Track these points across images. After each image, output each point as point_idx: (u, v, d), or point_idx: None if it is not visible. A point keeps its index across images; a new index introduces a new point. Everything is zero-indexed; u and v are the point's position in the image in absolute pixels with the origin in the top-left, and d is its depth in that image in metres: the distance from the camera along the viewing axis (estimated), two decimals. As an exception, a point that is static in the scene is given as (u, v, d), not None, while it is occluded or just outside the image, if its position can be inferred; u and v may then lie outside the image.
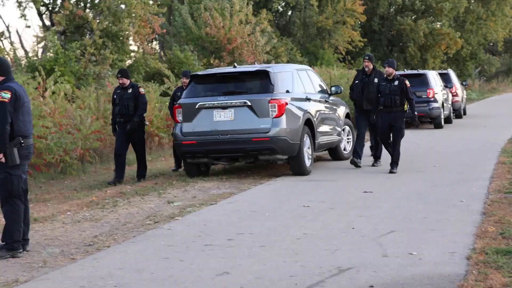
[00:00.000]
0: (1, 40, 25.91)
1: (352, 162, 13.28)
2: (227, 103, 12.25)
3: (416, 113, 12.93)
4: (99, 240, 7.89)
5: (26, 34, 61.71)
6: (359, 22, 40.84)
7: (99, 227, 8.68)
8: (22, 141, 7.28)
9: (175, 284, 5.95)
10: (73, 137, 14.70)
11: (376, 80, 13.19)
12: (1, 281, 6.14)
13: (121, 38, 24.24)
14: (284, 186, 11.51)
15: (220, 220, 8.85)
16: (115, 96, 12.87)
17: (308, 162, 12.57)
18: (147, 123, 13.30)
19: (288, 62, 31.53)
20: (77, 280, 6.14)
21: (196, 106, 12.35)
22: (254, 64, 19.63)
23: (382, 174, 12.34)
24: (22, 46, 27.52)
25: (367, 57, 13.66)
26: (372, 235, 7.55)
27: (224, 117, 12.25)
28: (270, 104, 12.10)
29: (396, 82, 12.58)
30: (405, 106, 12.62)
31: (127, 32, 24.33)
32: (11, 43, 25.75)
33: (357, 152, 13.33)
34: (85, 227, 8.68)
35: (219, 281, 6.01)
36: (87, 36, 23.97)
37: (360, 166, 13.17)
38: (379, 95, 12.67)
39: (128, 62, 25.51)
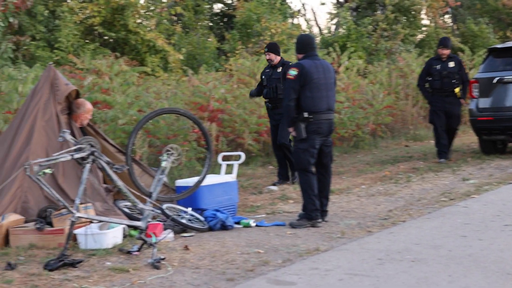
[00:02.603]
0: (298, 18, 26.99)
1: None
2: (527, 77, 11.61)
3: None
4: (394, 214, 7.92)
5: (320, 11, 63.53)
6: None
7: (393, 201, 8.72)
8: (311, 116, 7.37)
9: (474, 263, 5.78)
10: (365, 112, 14.95)
11: None
12: (303, 248, 6.42)
13: (413, 12, 24.04)
14: None
15: (520, 200, 8.43)
16: (263, 77, 10.26)
17: None
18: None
19: None
20: (375, 252, 6.22)
21: (494, 81, 11.86)
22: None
23: None
24: (317, 23, 28.49)
25: None
26: None
27: (524, 92, 11.62)
28: None
29: None
30: None
31: (419, 6, 24.06)
32: (307, 20, 26.73)
33: None
34: (380, 201, 8.77)
35: (522, 263, 5.72)
36: (379, 12, 24.11)
37: None
38: None
39: (420, 36, 25.26)
